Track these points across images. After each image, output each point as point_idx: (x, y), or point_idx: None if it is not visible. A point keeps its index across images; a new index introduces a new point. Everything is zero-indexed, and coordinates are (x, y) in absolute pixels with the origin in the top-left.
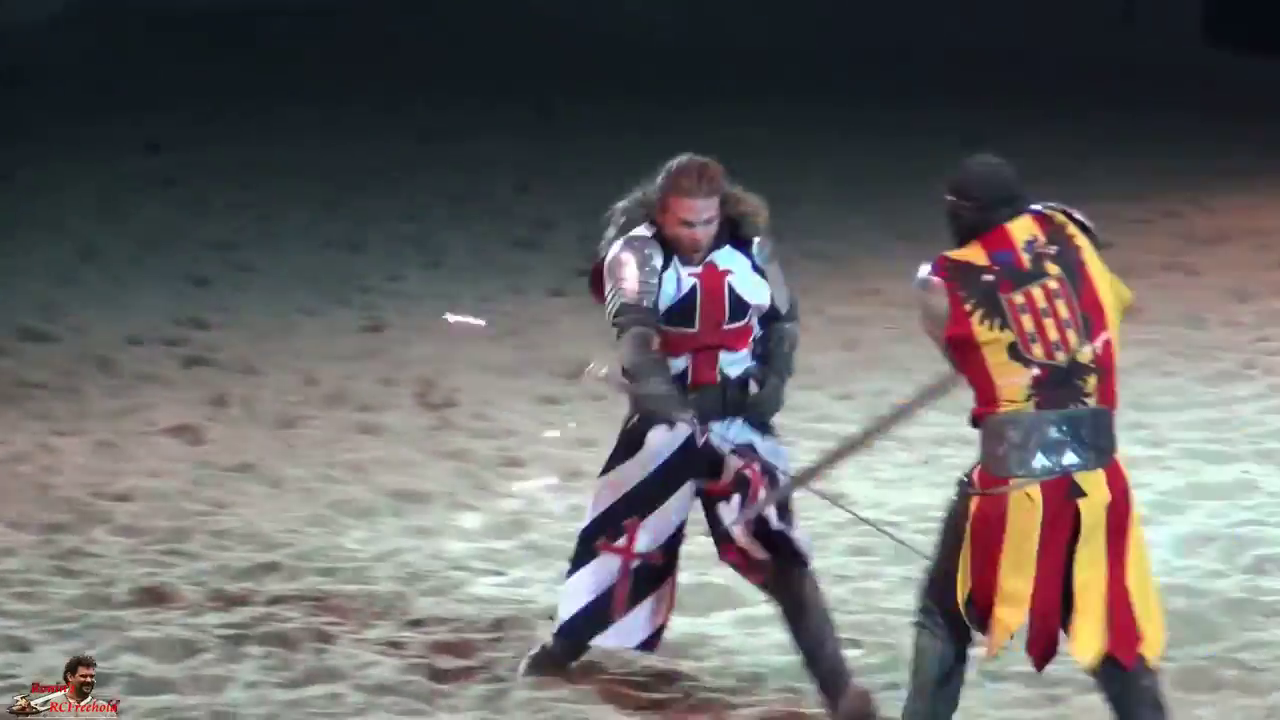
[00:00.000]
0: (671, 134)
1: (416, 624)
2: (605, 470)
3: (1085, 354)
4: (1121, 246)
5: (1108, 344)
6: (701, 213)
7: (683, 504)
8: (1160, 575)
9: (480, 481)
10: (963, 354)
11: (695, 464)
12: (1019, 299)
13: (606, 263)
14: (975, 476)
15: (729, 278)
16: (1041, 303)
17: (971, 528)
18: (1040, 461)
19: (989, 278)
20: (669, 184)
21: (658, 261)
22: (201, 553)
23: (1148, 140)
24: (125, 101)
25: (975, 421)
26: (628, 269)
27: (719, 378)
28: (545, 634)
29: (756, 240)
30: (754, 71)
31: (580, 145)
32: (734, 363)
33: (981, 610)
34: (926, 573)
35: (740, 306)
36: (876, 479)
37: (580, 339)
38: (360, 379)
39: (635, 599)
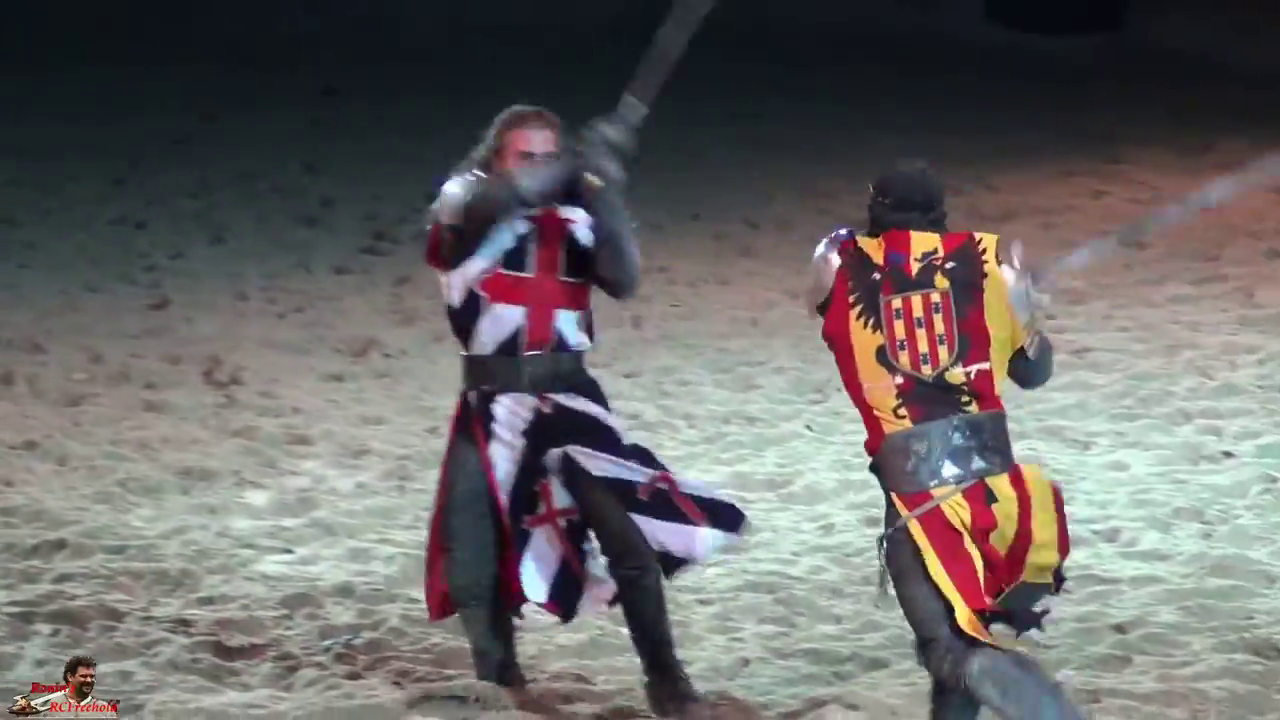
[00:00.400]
0: (462, 109)
1: (206, 601)
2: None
3: (956, 374)
4: None
5: (983, 374)
6: (540, 144)
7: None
8: None
9: (267, 459)
10: (836, 347)
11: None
12: (897, 303)
13: (441, 205)
14: (899, 507)
15: (570, 225)
16: (918, 312)
17: (933, 547)
18: (951, 469)
19: (876, 276)
20: (506, 123)
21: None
22: None
23: (929, 118)
24: None
25: (873, 453)
26: (455, 186)
27: (553, 337)
28: (334, 610)
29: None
30: (527, 54)
31: (367, 124)
32: (570, 323)
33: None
34: (915, 625)
35: (580, 259)
36: (662, 456)
37: (366, 316)
38: (146, 356)
39: (584, 556)
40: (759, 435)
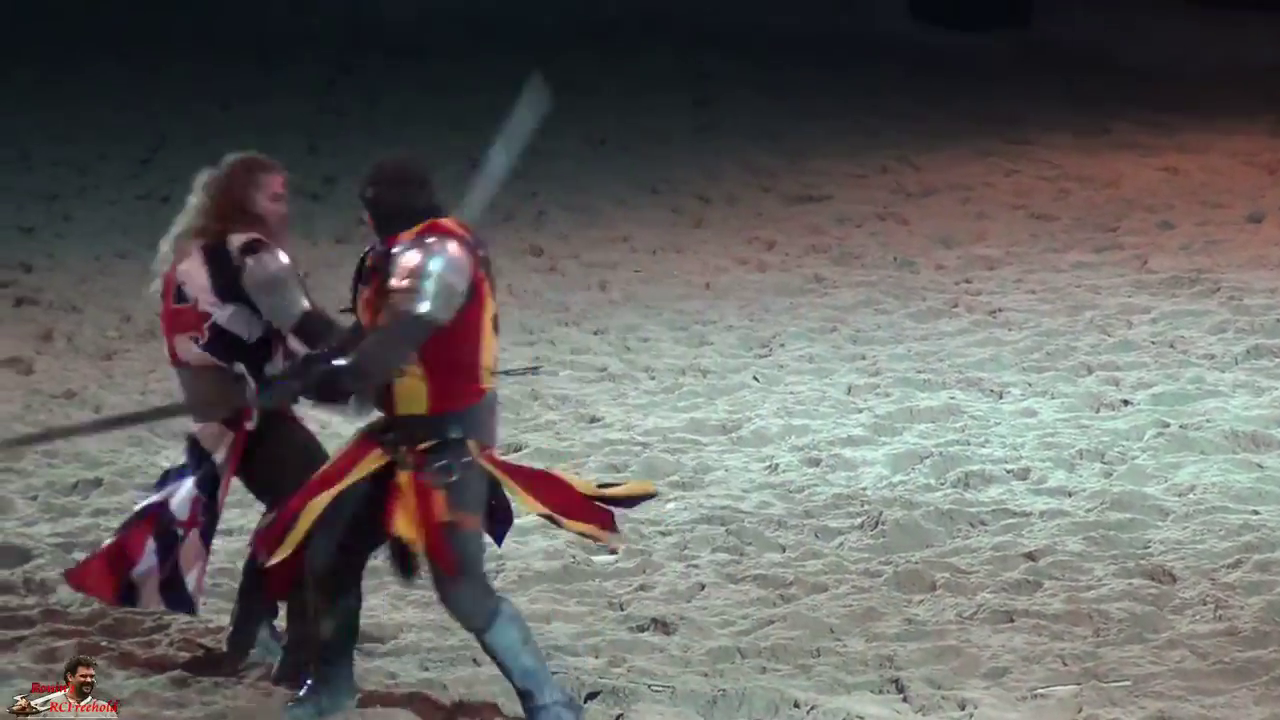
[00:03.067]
0: (445, 96)
1: (224, 533)
2: None
3: None
4: (840, 199)
5: None
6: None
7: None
8: (880, 489)
9: None
10: (468, 316)
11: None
12: (489, 276)
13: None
14: (474, 450)
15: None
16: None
17: (514, 479)
18: (498, 432)
19: (481, 251)
20: (254, 167)
21: None
22: (33, 470)
23: (861, 106)
24: None
25: (463, 408)
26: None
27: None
28: None
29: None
30: (503, 43)
31: (362, 110)
32: None
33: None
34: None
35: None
36: (626, 405)
37: None
38: None
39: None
40: (711, 385)
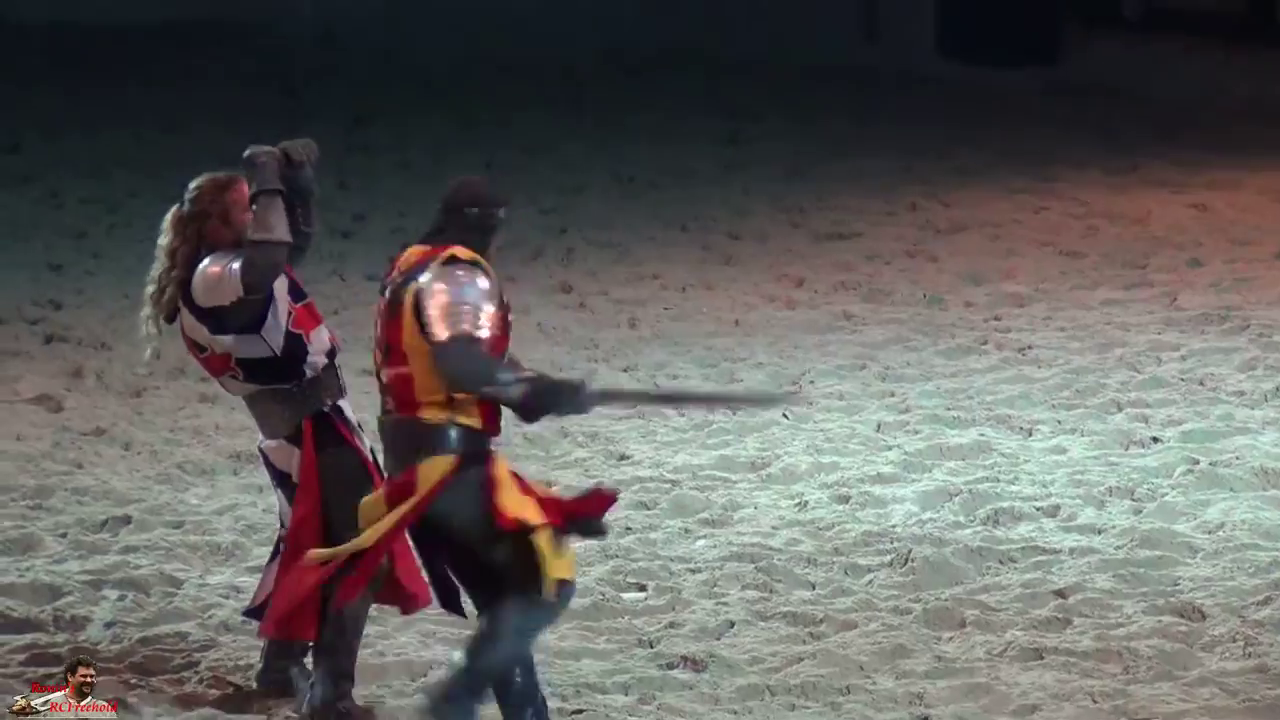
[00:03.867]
0: (473, 133)
1: (254, 570)
2: None
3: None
4: (870, 236)
5: (399, 377)
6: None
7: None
8: (910, 526)
9: None
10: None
11: None
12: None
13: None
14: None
15: None
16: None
17: (521, 489)
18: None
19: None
20: (228, 185)
21: None
22: (62, 507)
23: (890, 143)
24: None
25: (485, 426)
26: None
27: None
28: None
29: None
30: (533, 79)
31: (393, 149)
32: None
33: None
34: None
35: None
36: (655, 442)
37: None
38: None
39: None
40: (741, 423)
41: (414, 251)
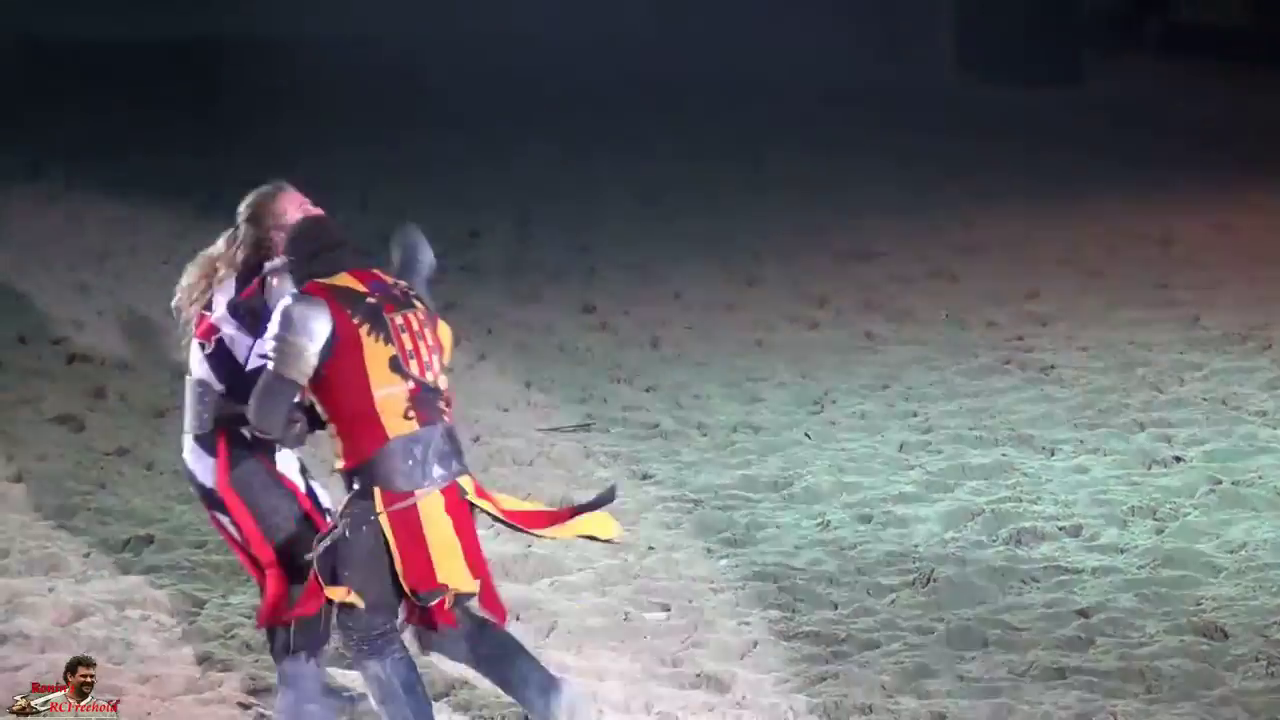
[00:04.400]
0: (500, 153)
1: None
2: None
3: (443, 380)
4: (892, 256)
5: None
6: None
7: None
8: (932, 546)
9: (328, 463)
10: (342, 367)
11: None
12: (399, 320)
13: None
14: (378, 502)
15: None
16: (415, 326)
17: (396, 541)
18: (438, 470)
19: (372, 300)
20: (275, 194)
21: None
22: (85, 528)
23: (912, 162)
24: (8, 130)
25: (366, 458)
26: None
27: None
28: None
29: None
30: (556, 101)
31: (415, 167)
32: None
33: (428, 592)
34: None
35: None
36: (678, 462)
37: None
38: None
39: None
40: (764, 442)
41: (379, 273)
